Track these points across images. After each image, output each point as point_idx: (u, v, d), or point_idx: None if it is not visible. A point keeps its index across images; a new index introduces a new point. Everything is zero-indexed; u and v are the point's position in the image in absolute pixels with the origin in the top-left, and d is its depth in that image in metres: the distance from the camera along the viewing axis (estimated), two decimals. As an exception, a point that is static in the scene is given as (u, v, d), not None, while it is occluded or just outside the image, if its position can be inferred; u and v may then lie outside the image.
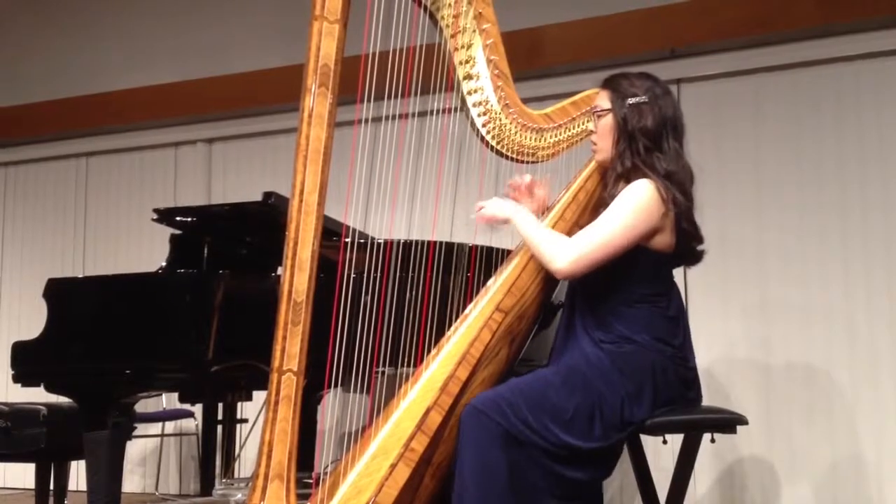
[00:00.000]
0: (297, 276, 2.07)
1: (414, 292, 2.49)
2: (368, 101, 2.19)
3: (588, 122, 2.50)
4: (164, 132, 5.52)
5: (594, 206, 2.46)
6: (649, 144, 2.28)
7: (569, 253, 2.21)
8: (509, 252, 2.49)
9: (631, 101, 2.31)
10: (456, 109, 2.44)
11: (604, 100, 2.37)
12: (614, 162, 2.34)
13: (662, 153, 2.28)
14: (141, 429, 4.68)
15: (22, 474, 5.36)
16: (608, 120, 2.35)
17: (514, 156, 2.46)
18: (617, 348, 2.21)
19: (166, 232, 3.43)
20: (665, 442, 2.36)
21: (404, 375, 2.31)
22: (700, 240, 2.33)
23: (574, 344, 2.29)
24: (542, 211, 2.51)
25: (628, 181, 2.28)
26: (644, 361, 2.20)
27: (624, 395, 2.16)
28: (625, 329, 2.23)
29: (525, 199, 2.53)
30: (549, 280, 2.37)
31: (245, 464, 4.61)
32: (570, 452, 2.11)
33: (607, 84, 2.39)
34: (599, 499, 2.31)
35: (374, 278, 2.45)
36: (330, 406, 3.08)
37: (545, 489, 2.10)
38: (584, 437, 2.12)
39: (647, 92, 2.31)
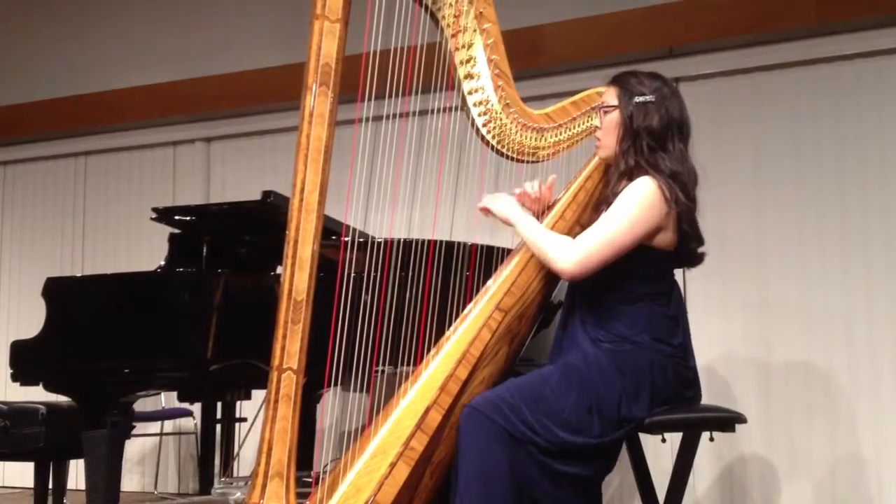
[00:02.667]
0: (297, 274, 2.08)
1: (414, 291, 2.49)
2: (369, 100, 2.19)
3: (589, 121, 2.50)
4: (163, 131, 5.51)
5: (595, 204, 2.46)
6: (653, 144, 2.28)
7: (574, 254, 2.21)
8: (509, 251, 2.50)
9: (638, 99, 2.31)
10: (456, 109, 2.44)
11: (611, 96, 2.37)
12: (618, 159, 2.34)
13: (667, 153, 2.28)
14: (140, 428, 4.68)
15: (21, 473, 5.36)
16: (614, 116, 2.35)
17: (515, 155, 2.46)
18: (615, 347, 2.22)
19: (165, 231, 3.43)
20: (664, 440, 2.36)
21: (404, 374, 2.31)
22: (700, 241, 2.33)
23: (572, 342, 2.30)
24: (543, 210, 2.52)
25: (631, 179, 2.28)
26: (642, 361, 2.20)
27: (622, 392, 2.17)
28: (624, 328, 2.23)
29: (531, 203, 2.53)
30: (549, 279, 2.37)
31: (244, 462, 4.61)
32: (569, 449, 2.11)
33: (616, 81, 2.39)
34: (598, 497, 2.31)
35: (374, 277, 2.45)
36: (329, 405, 3.08)
37: (545, 486, 2.11)
38: (582, 433, 2.12)
39: (655, 91, 2.31)
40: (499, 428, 2.08)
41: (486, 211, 2.44)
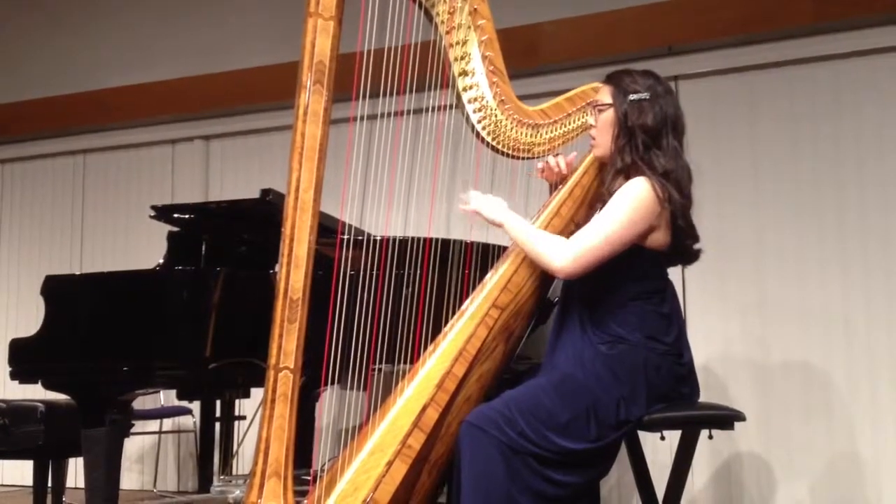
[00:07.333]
0: (293, 273, 2.07)
1: (410, 289, 2.49)
2: (364, 98, 2.20)
3: (584, 117, 2.50)
4: (162, 129, 5.51)
5: (590, 201, 2.46)
6: (648, 141, 2.28)
7: (568, 252, 2.21)
8: (505, 248, 2.50)
9: (632, 97, 2.31)
10: (451, 106, 2.44)
11: (605, 95, 2.38)
12: (613, 157, 2.34)
13: (661, 151, 2.28)
14: (139, 426, 4.68)
15: (20, 472, 5.36)
16: (609, 115, 2.36)
17: (510, 152, 2.47)
18: (609, 349, 2.22)
19: (164, 229, 3.43)
20: (663, 438, 2.36)
21: (401, 372, 2.31)
22: (696, 238, 2.33)
23: (568, 341, 2.30)
24: (562, 180, 2.52)
25: (627, 177, 2.28)
26: (636, 360, 2.21)
27: (619, 397, 2.17)
28: (618, 327, 2.24)
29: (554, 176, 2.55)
30: (545, 276, 2.37)
31: (243, 461, 4.61)
32: (568, 456, 2.12)
33: (610, 80, 2.40)
34: (596, 498, 2.32)
35: (371, 275, 2.45)
36: (327, 403, 3.08)
37: (545, 496, 2.11)
38: (580, 439, 2.13)
39: (649, 89, 2.32)
40: (496, 441, 2.08)
41: (475, 213, 2.42)
